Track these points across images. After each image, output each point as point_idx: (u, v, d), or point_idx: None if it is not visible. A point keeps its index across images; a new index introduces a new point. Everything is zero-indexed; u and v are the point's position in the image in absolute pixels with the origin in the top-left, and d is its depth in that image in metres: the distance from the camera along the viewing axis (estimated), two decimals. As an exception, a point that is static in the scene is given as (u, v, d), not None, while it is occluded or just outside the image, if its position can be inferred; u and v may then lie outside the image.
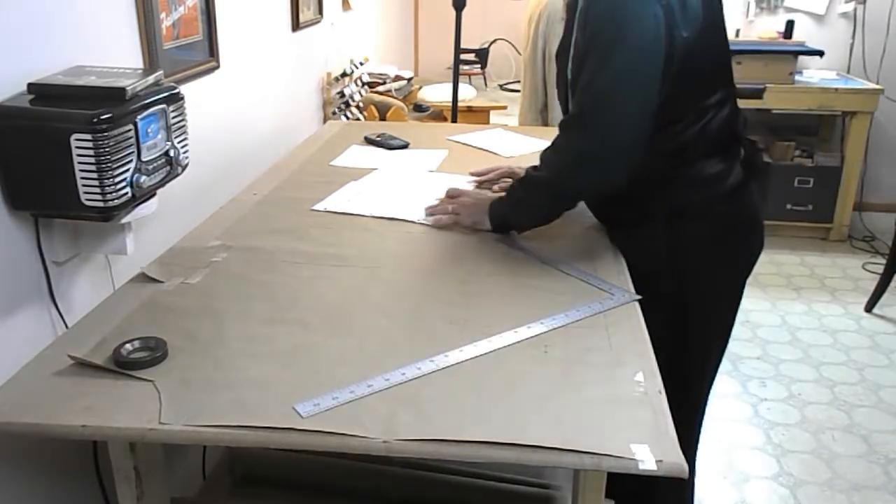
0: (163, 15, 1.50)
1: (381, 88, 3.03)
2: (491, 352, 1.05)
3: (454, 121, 2.76)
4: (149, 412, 0.90)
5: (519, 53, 3.51)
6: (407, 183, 1.76)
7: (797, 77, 3.81)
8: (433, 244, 1.44)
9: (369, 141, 2.11)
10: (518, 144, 2.11)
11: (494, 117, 3.25)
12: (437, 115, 3.17)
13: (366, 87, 2.94)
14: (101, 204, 1.09)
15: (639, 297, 1.22)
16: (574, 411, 0.92)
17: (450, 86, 2.74)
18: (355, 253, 1.38)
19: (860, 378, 2.72)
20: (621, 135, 1.24)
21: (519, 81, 3.04)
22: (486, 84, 4.17)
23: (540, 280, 1.28)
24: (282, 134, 2.26)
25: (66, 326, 1.20)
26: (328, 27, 2.71)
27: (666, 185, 1.36)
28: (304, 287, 1.24)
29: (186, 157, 1.29)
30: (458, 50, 2.61)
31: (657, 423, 0.90)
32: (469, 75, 4.06)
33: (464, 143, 2.13)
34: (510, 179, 1.68)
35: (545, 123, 2.74)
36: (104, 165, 1.07)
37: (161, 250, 1.37)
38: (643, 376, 0.99)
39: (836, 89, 3.72)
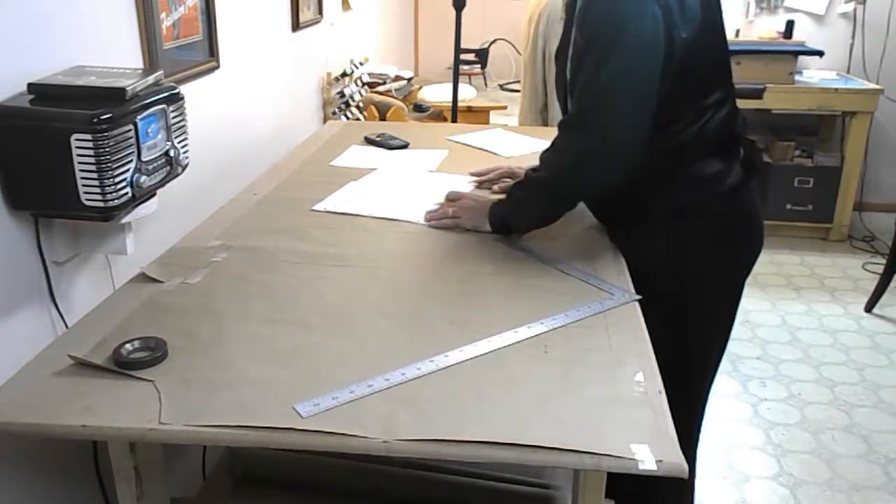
0: (163, 15, 1.50)
1: (381, 88, 3.03)
2: (491, 352, 1.05)
3: (454, 121, 2.76)
4: (149, 412, 0.90)
5: (519, 53, 3.51)
6: (407, 183, 1.76)
7: (797, 77, 3.81)
8: (433, 244, 1.44)
9: (369, 141, 2.11)
10: (518, 144, 2.11)
11: (494, 117, 3.25)
12: (437, 115, 3.17)
13: (366, 87, 2.94)
14: (101, 204, 1.09)
15: (639, 297, 1.22)
16: (574, 411, 0.92)
17: (450, 86, 2.74)
18: (355, 253, 1.38)
19: (860, 378, 2.72)
20: (620, 135, 1.24)
21: (519, 81, 3.04)
22: (486, 84, 4.17)
23: (540, 280, 1.28)
24: (282, 134, 2.26)
25: (66, 326, 1.20)
26: (328, 27, 2.71)
27: (665, 185, 1.36)
28: (304, 287, 1.24)
29: (186, 157, 1.29)
30: (458, 50, 2.61)
31: (657, 423, 0.90)
32: (469, 75, 4.06)
33: (464, 143, 2.13)
34: (510, 179, 1.68)
35: (545, 123, 2.74)
36: (104, 165, 1.07)
37: (161, 250, 1.37)
38: (643, 376, 0.99)
39: (836, 89, 3.72)
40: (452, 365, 1.02)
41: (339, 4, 2.88)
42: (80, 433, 0.89)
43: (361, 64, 2.95)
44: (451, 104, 2.74)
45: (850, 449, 2.32)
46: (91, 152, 1.05)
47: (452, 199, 1.58)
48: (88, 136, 1.04)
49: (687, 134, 1.32)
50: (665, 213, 1.36)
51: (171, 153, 1.23)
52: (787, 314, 3.19)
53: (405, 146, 2.06)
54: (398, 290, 1.25)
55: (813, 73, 3.94)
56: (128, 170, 1.11)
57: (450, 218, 1.50)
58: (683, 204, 1.36)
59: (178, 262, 1.31)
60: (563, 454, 0.85)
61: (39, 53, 1.16)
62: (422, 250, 1.41)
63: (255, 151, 2.04)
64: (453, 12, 2.53)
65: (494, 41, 4.21)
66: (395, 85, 3.10)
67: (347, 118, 2.72)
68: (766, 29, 4.07)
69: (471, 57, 4.08)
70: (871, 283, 3.28)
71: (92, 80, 1.14)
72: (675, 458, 0.84)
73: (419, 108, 3.18)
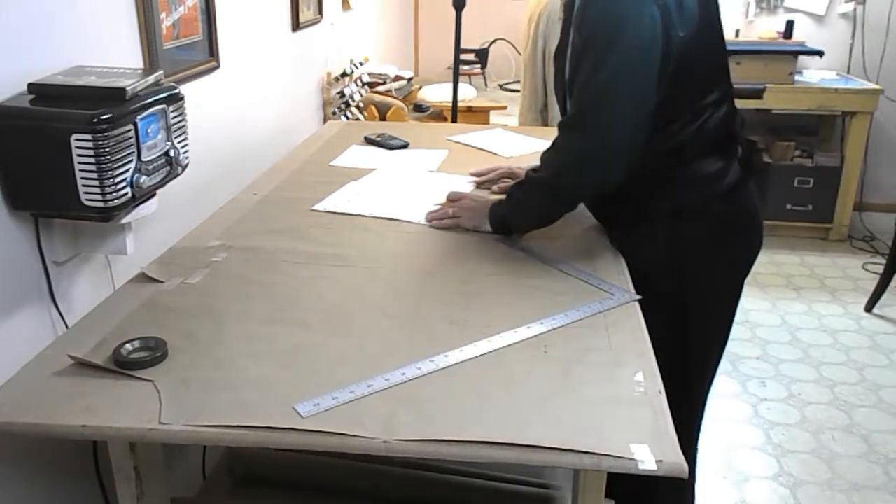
0: (163, 15, 1.50)
1: (381, 88, 3.03)
2: (491, 352, 1.05)
3: (454, 121, 2.76)
4: (149, 412, 0.90)
5: (519, 53, 3.51)
6: (407, 183, 1.76)
7: (797, 77, 3.81)
8: (433, 244, 1.44)
9: (369, 141, 2.11)
10: (518, 144, 2.11)
11: (494, 117, 3.24)
12: (437, 115, 3.17)
13: (366, 87, 2.94)
14: (101, 204, 1.09)
15: (639, 297, 1.22)
16: (574, 411, 0.92)
17: (450, 86, 2.74)
18: (355, 253, 1.38)
19: (860, 378, 2.72)
20: (620, 134, 1.24)
21: (519, 81, 3.04)
22: (486, 84, 4.17)
23: (540, 280, 1.28)
24: (282, 134, 2.26)
25: (66, 326, 1.20)
26: (328, 27, 2.71)
27: (664, 185, 1.36)
28: (304, 287, 1.24)
29: (186, 157, 1.29)
30: (458, 50, 2.61)
31: (657, 423, 0.90)
32: (469, 75, 4.06)
33: (464, 143, 2.13)
34: (510, 179, 1.68)
35: (545, 123, 2.74)
36: (104, 165, 1.07)
37: (161, 250, 1.37)
38: (643, 376, 0.99)
39: (836, 89, 3.72)
40: (452, 365, 1.02)
41: (339, 4, 2.88)
42: (80, 433, 0.89)
43: (361, 64, 2.95)
44: (451, 104, 2.74)
45: (850, 449, 2.32)
46: (91, 152, 1.05)
47: (453, 199, 1.58)
48: (88, 136, 1.04)
49: (685, 133, 1.32)
50: (664, 212, 1.37)
51: (171, 153, 1.23)
52: (787, 314, 3.19)
53: (405, 146, 2.06)
54: (398, 290, 1.25)
55: (813, 73, 3.94)
56: (128, 170, 1.11)
57: (450, 218, 1.50)
58: (682, 204, 1.36)
59: (178, 262, 1.31)
60: (563, 454, 0.85)
61: (39, 53, 1.16)
62: (422, 250, 1.41)
63: (255, 151, 2.04)
64: (453, 12, 2.53)
65: (494, 41, 4.21)
66: (395, 85, 3.10)
67: (347, 118, 2.72)
68: (765, 29, 4.07)
69: (471, 57, 4.08)
70: (871, 283, 3.28)
71: (92, 80, 1.14)
72: (675, 458, 0.84)
73: (419, 108, 3.18)
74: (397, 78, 3.15)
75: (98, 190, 1.08)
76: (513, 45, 4.19)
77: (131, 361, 0.99)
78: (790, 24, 3.99)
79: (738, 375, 2.72)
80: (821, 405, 2.55)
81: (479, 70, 4.16)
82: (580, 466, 0.86)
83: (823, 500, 2.11)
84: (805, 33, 4.04)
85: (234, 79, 1.89)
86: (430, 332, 1.10)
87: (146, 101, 1.15)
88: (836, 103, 3.74)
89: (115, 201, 1.10)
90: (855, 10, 3.97)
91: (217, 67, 1.77)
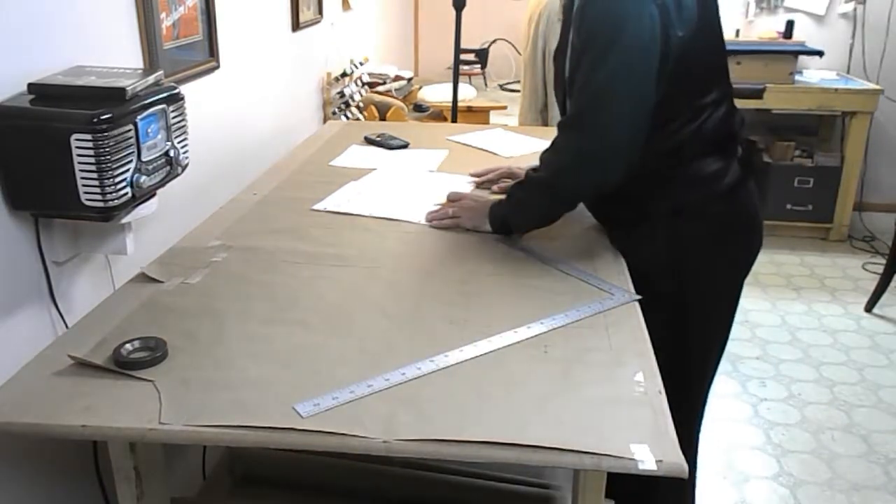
0: (163, 15, 1.50)
1: (381, 88, 3.03)
2: (491, 352, 1.05)
3: (454, 121, 2.77)
4: (149, 412, 0.90)
5: (519, 53, 3.51)
6: (407, 183, 1.76)
7: (797, 77, 3.81)
8: (433, 244, 1.44)
9: (369, 141, 2.11)
10: (518, 144, 2.11)
11: (494, 117, 3.25)
12: (437, 115, 3.17)
13: (366, 87, 2.94)
14: (101, 204, 1.09)
15: (639, 297, 1.22)
16: (574, 411, 0.92)
17: (450, 86, 2.74)
18: (355, 253, 1.38)
19: (860, 378, 2.72)
20: (619, 134, 1.24)
21: (519, 81, 3.04)
22: (486, 84, 4.17)
23: (540, 280, 1.28)
24: (282, 134, 2.26)
25: (66, 326, 1.20)
26: (328, 27, 2.71)
27: (664, 185, 1.36)
28: (304, 287, 1.24)
29: (186, 157, 1.29)
30: (458, 50, 2.61)
31: (657, 423, 0.90)
32: (469, 75, 4.06)
33: (464, 144, 2.13)
34: (510, 179, 1.68)
35: (545, 123, 2.74)
36: (104, 165, 1.07)
37: (161, 250, 1.37)
38: (643, 376, 0.99)
39: (836, 89, 3.72)
40: (452, 365, 1.02)
41: (339, 4, 2.88)
42: (80, 433, 0.89)
43: (361, 64, 2.95)
44: (451, 104, 2.74)
45: (850, 449, 2.32)
46: (91, 152, 1.05)
47: (453, 199, 1.58)
48: (88, 136, 1.04)
49: (684, 133, 1.32)
50: (664, 212, 1.37)
51: (171, 153, 1.23)
52: (787, 314, 3.19)
53: (405, 146, 2.06)
54: (398, 290, 1.25)
55: (813, 73, 3.94)
56: (128, 170, 1.11)
57: (450, 218, 1.50)
58: (682, 204, 1.36)
59: (178, 262, 1.31)
60: (563, 454, 0.85)
61: (39, 53, 1.16)
62: (422, 250, 1.41)
63: (255, 151, 2.04)
64: (453, 12, 2.53)
65: (494, 41, 4.21)
66: (395, 85, 3.10)
67: (347, 118, 2.72)
68: (765, 29, 4.07)
69: (471, 57, 4.08)
70: (871, 283, 3.28)
71: (92, 80, 1.14)
72: (674, 458, 0.84)
73: (419, 108, 3.18)
74: (397, 78, 3.15)
75: (98, 190, 1.08)
76: (513, 45, 4.19)
77: (131, 361, 0.99)
78: (790, 24, 3.99)
79: (738, 375, 2.72)
80: (821, 405, 2.55)
81: (479, 70, 4.16)
82: (580, 466, 0.86)
83: (823, 500, 2.11)
84: (805, 33, 4.04)
85: (234, 79, 1.89)
86: (430, 332, 1.10)
87: (146, 101, 1.15)
88: (836, 103, 3.74)
89: (115, 201, 1.10)
90: (855, 10, 3.97)
91: (217, 67, 1.77)
